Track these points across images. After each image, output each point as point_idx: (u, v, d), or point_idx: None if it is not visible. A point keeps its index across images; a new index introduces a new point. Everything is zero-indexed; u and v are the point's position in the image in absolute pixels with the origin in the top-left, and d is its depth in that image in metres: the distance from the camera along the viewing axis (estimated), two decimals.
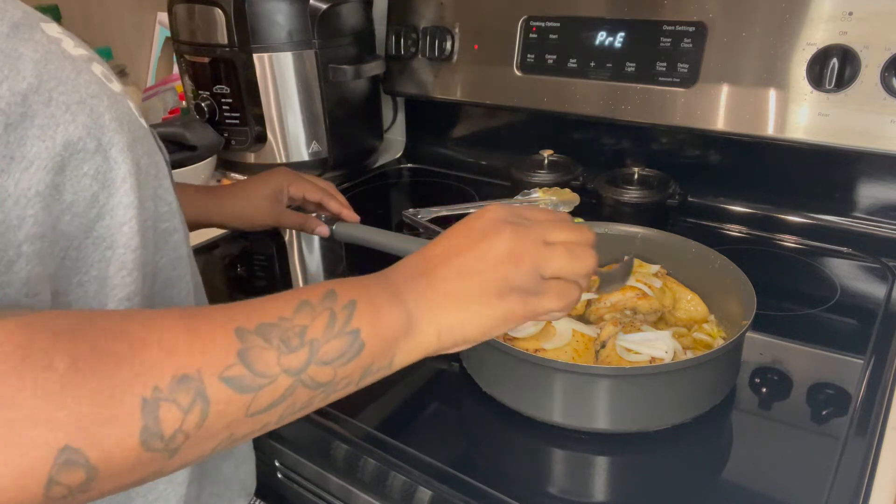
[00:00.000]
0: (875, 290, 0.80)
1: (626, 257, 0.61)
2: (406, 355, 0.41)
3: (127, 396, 0.30)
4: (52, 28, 0.40)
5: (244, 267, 0.96)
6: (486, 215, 0.45)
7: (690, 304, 0.70)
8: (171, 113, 1.36)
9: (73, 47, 0.41)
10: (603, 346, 0.63)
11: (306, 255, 0.98)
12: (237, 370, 0.33)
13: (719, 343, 0.66)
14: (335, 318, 0.37)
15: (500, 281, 0.42)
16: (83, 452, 0.29)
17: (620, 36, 0.96)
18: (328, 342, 0.36)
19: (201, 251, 0.94)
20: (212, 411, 0.32)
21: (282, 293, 0.37)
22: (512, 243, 0.43)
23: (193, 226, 0.81)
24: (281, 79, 1.06)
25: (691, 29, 0.90)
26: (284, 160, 1.11)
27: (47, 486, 0.28)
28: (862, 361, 0.66)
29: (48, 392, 0.28)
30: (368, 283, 0.40)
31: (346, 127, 1.14)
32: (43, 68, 0.37)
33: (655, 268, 0.74)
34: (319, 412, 0.62)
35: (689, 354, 0.62)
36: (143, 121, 0.46)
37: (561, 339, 0.63)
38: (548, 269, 0.44)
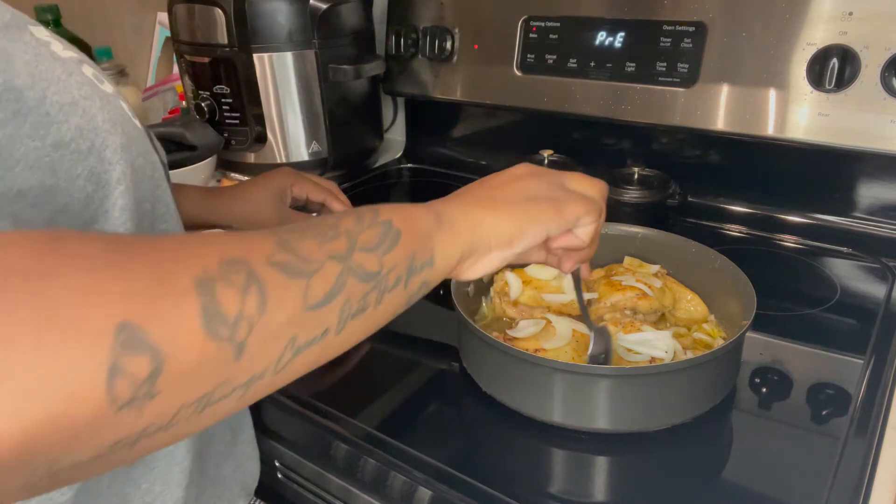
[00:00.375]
0: (875, 290, 0.80)
1: (601, 325, 0.63)
2: (445, 250, 0.40)
3: (179, 274, 0.27)
4: (41, 31, 0.40)
5: None
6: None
7: (690, 303, 0.70)
8: (171, 113, 1.36)
9: (62, 50, 0.40)
10: None
11: None
12: (283, 256, 0.31)
13: (719, 343, 0.66)
14: (362, 216, 0.37)
15: (525, 189, 0.45)
16: (144, 330, 0.25)
17: (620, 36, 0.96)
18: (363, 231, 0.36)
19: None
20: (269, 296, 0.30)
21: None
22: (532, 168, 0.48)
23: (196, 227, 0.81)
24: (281, 79, 1.06)
25: (691, 29, 0.90)
26: (284, 160, 1.11)
27: (110, 374, 0.24)
28: (862, 361, 0.66)
29: (93, 267, 0.25)
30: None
31: (346, 127, 1.14)
32: (34, 69, 0.37)
33: (655, 268, 0.75)
34: (319, 412, 0.62)
35: (689, 354, 0.62)
36: (137, 121, 0.46)
37: (561, 339, 0.63)
38: (568, 183, 0.48)
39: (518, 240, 0.43)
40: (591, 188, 0.49)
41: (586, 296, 0.70)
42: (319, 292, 0.32)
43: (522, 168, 0.48)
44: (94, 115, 0.39)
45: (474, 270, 0.43)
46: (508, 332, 0.66)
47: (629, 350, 0.62)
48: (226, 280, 0.28)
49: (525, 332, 0.64)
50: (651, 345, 0.61)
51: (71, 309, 0.24)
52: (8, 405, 0.22)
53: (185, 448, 0.50)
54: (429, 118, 1.27)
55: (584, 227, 0.48)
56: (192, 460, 0.51)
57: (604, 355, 0.60)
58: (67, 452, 0.25)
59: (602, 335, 0.61)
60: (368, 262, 0.35)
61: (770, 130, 0.86)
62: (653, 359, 0.61)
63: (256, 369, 0.30)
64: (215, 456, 0.57)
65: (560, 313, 0.68)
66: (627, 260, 0.76)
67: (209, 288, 0.28)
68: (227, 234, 0.32)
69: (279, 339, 0.31)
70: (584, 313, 0.61)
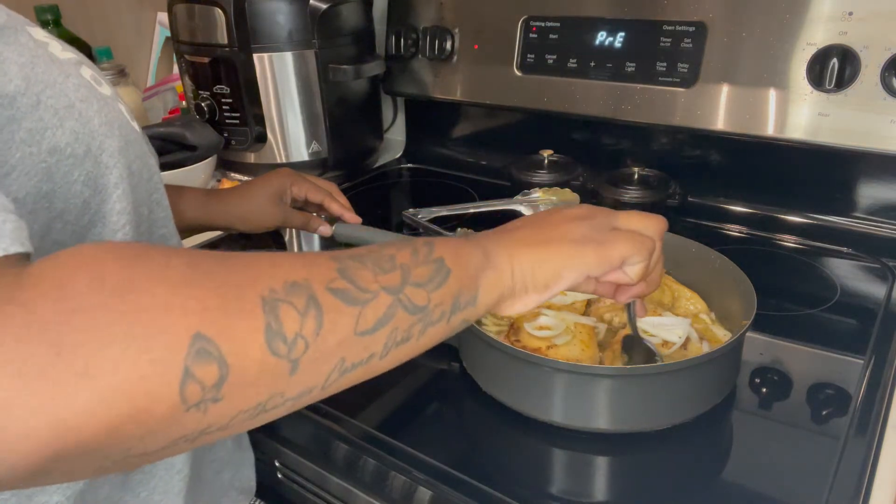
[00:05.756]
0: (875, 290, 0.80)
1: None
2: (488, 291, 0.42)
3: (248, 293, 0.30)
4: (38, 32, 0.40)
5: None
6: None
7: (689, 301, 0.70)
8: (171, 113, 1.36)
9: (60, 51, 0.40)
10: (623, 326, 0.64)
11: None
12: (341, 283, 0.34)
13: (720, 333, 0.66)
14: (418, 251, 0.39)
15: (572, 231, 0.46)
16: (215, 343, 0.28)
17: (620, 36, 0.96)
18: (417, 267, 0.38)
19: None
20: (325, 320, 0.32)
21: None
22: (586, 210, 0.48)
23: (197, 229, 0.81)
24: (281, 79, 1.06)
25: (691, 29, 0.90)
26: (284, 160, 1.11)
27: (184, 379, 0.27)
28: (862, 361, 0.66)
29: (174, 282, 0.29)
30: (442, 236, 0.42)
31: (346, 127, 1.14)
32: (30, 72, 0.36)
33: None
34: (319, 412, 0.62)
35: (706, 344, 0.62)
36: (135, 124, 0.45)
37: (567, 334, 0.63)
38: (619, 222, 0.48)
39: (555, 283, 0.44)
40: (645, 227, 0.49)
41: (587, 295, 0.70)
42: (370, 320, 0.35)
43: (577, 210, 0.48)
44: (90, 119, 0.39)
45: (512, 309, 0.44)
46: (526, 325, 0.66)
47: (645, 332, 0.62)
48: (289, 302, 0.31)
49: (542, 332, 0.64)
50: (668, 329, 0.62)
51: (154, 319, 0.27)
52: (100, 397, 0.26)
53: (185, 456, 0.50)
54: (429, 118, 1.27)
55: (633, 266, 0.47)
56: (191, 467, 0.51)
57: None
58: (140, 443, 0.28)
59: (642, 351, 0.60)
60: (418, 297, 0.37)
61: (770, 130, 0.86)
62: (665, 342, 0.61)
63: (307, 385, 0.33)
64: (215, 463, 0.57)
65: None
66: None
67: (273, 308, 0.31)
68: (293, 256, 0.35)
69: (330, 360, 0.33)
70: (632, 326, 0.60)
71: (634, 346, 0.60)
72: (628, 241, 0.47)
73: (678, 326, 0.62)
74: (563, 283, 0.45)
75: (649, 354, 0.59)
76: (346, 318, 0.33)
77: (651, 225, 0.49)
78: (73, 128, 0.38)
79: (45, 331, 0.26)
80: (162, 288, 0.28)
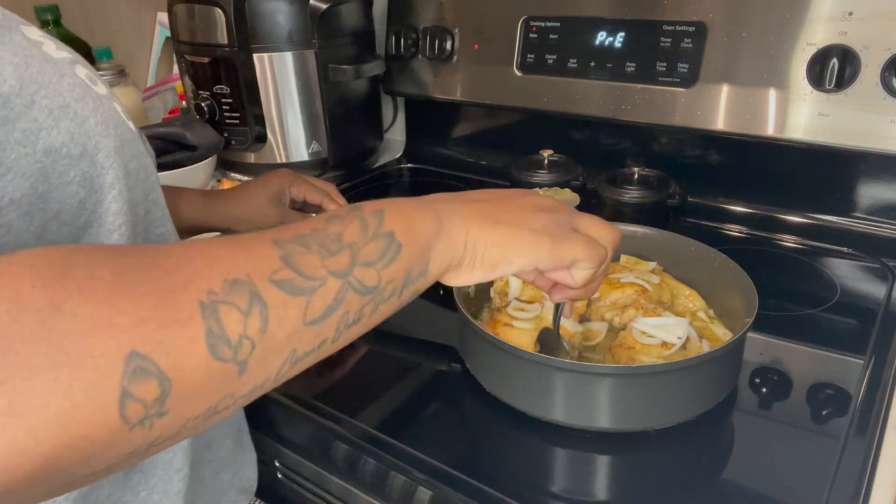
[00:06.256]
0: (875, 290, 0.80)
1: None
2: (438, 261, 0.41)
3: (183, 301, 0.29)
4: (33, 31, 0.39)
5: None
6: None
7: (688, 299, 0.70)
8: (171, 113, 1.36)
9: (54, 50, 0.40)
10: (623, 328, 0.64)
11: None
12: (285, 274, 0.32)
13: (719, 330, 0.66)
14: (366, 223, 0.37)
15: (533, 220, 0.45)
16: (152, 359, 0.27)
17: (620, 36, 0.96)
18: (366, 244, 0.36)
19: None
20: (271, 316, 0.31)
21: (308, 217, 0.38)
22: (551, 203, 0.47)
23: (195, 231, 0.81)
24: (281, 79, 1.06)
25: (691, 29, 0.90)
26: (284, 160, 1.11)
27: (122, 401, 0.26)
28: (862, 361, 0.66)
29: (99, 298, 0.27)
30: (395, 198, 0.41)
31: (346, 127, 1.14)
32: (24, 72, 0.36)
33: (652, 264, 0.75)
34: (319, 412, 0.62)
35: (706, 343, 0.62)
36: (131, 124, 0.45)
37: (531, 322, 0.64)
38: (580, 224, 0.48)
39: (503, 266, 0.44)
40: (602, 236, 0.48)
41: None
42: (319, 308, 0.33)
43: (542, 200, 0.48)
44: (86, 118, 0.38)
45: (455, 280, 0.44)
46: (515, 300, 0.67)
47: (644, 333, 0.62)
48: (229, 303, 0.30)
49: (517, 311, 0.65)
50: (667, 330, 0.62)
51: (82, 342, 0.26)
52: (30, 433, 0.24)
53: (184, 455, 0.50)
54: (429, 118, 1.27)
55: (580, 271, 0.47)
56: (190, 467, 0.51)
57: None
58: (85, 466, 0.27)
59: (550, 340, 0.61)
60: (368, 278, 0.36)
61: (770, 130, 0.86)
62: (664, 343, 0.61)
63: (258, 381, 0.32)
64: (215, 463, 0.57)
65: None
66: (624, 258, 0.76)
67: (213, 311, 0.29)
68: (231, 244, 0.32)
69: (280, 354, 0.32)
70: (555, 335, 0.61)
71: (550, 341, 0.61)
72: (584, 246, 0.46)
73: (678, 327, 0.62)
74: (512, 268, 0.44)
75: (562, 354, 0.60)
76: (293, 311, 0.32)
77: (607, 235, 0.49)
78: (69, 128, 0.37)
79: None
80: (86, 307, 0.26)
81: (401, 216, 0.39)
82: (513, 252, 0.44)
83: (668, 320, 0.63)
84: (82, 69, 0.41)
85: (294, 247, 0.34)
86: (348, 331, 0.36)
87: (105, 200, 0.40)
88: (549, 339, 0.61)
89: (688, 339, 0.61)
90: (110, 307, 0.27)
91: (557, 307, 0.59)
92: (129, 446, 0.28)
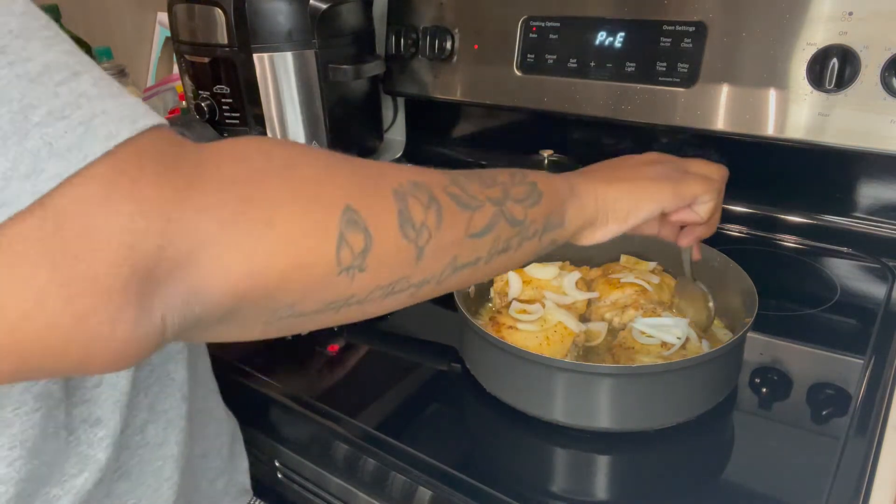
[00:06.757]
0: (875, 290, 0.80)
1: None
2: (574, 216, 0.46)
3: (381, 183, 0.35)
4: None
5: None
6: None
7: None
8: (171, 113, 1.36)
9: None
10: (623, 328, 0.65)
11: None
12: (454, 189, 0.38)
13: (722, 332, 0.66)
14: (514, 174, 0.44)
15: (647, 171, 0.51)
16: (361, 215, 0.33)
17: (620, 36, 0.96)
18: (515, 186, 0.42)
19: None
20: (445, 216, 0.37)
21: None
22: (659, 155, 0.53)
23: None
24: (281, 79, 1.06)
25: (691, 29, 0.90)
26: None
27: (339, 243, 0.32)
28: (862, 361, 0.66)
29: (324, 162, 0.34)
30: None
31: (346, 127, 1.14)
32: None
33: (652, 265, 0.75)
34: (319, 412, 0.62)
35: (705, 342, 0.62)
36: None
37: (537, 324, 0.63)
38: (690, 167, 0.53)
39: (634, 215, 0.49)
40: (712, 171, 0.54)
41: (587, 295, 0.70)
42: (479, 225, 0.39)
43: (650, 155, 0.54)
44: None
45: (592, 238, 0.49)
46: (515, 302, 0.67)
47: (643, 333, 0.62)
48: (414, 196, 0.36)
49: (520, 314, 0.65)
50: (666, 330, 0.62)
51: (314, 189, 0.32)
52: (278, 244, 0.30)
53: (174, 465, 0.50)
54: (429, 118, 1.27)
55: (703, 205, 0.52)
56: (180, 475, 0.51)
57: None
58: (300, 301, 0.32)
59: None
60: (517, 212, 0.42)
61: (770, 130, 0.86)
62: (664, 343, 0.61)
63: (427, 274, 0.37)
64: (210, 472, 0.57)
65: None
66: (624, 258, 0.77)
67: (403, 198, 0.35)
68: (409, 166, 0.39)
69: (446, 255, 0.38)
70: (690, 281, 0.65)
71: (687, 289, 0.66)
72: (701, 182, 0.51)
73: (677, 327, 0.62)
74: (642, 214, 0.49)
75: (703, 297, 0.64)
76: (459, 219, 0.38)
77: (716, 171, 0.54)
78: None
79: (236, 184, 0.30)
80: (314, 167, 0.33)
81: (540, 175, 0.45)
82: (640, 201, 0.49)
83: (668, 320, 0.63)
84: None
85: (459, 176, 0.40)
86: (498, 257, 0.41)
87: None
88: (685, 287, 0.66)
89: (687, 339, 0.61)
90: (329, 171, 0.34)
91: (685, 258, 0.63)
92: (334, 292, 0.33)
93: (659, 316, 0.64)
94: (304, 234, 0.31)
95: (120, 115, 0.28)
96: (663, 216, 0.53)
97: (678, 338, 0.61)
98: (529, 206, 0.43)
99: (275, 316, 0.32)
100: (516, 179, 0.43)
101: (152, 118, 0.29)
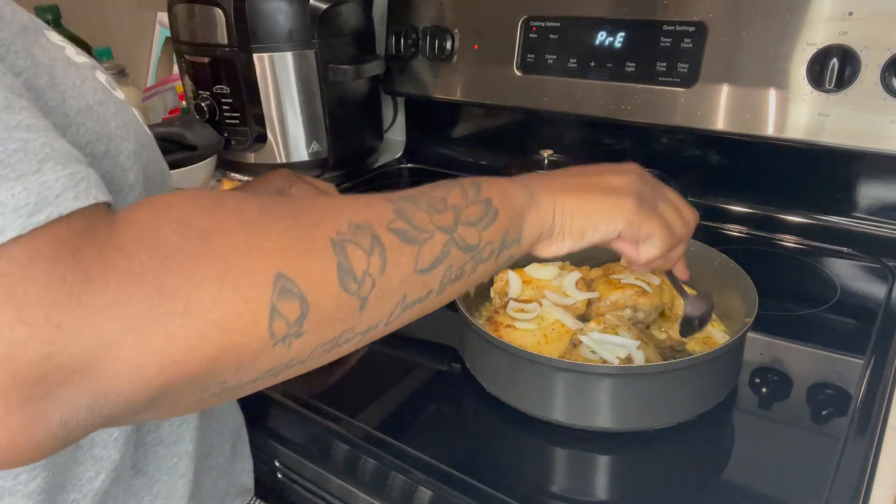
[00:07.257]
0: (875, 290, 0.80)
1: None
2: (531, 230, 0.44)
3: (317, 234, 0.33)
4: (54, 36, 0.40)
5: None
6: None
7: None
8: (171, 113, 1.36)
9: (75, 55, 0.40)
10: (581, 341, 0.63)
11: None
12: (400, 224, 0.36)
13: (720, 335, 0.66)
14: (466, 191, 0.41)
15: (615, 180, 0.48)
16: (295, 282, 0.31)
17: (620, 36, 0.96)
18: (467, 207, 0.40)
19: None
20: (389, 259, 0.35)
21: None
22: (639, 173, 0.50)
23: None
24: (281, 79, 1.06)
25: (691, 29, 0.90)
26: (284, 160, 1.11)
27: (271, 315, 0.30)
28: (862, 361, 0.66)
29: (250, 226, 0.31)
30: (488, 176, 0.44)
31: (346, 127, 1.14)
32: (52, 72, 0.37)
33: None
34: (319, 412, 0.62)
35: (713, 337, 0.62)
36: (147, 129, 0.46)
37: (535, 322, 0.63)
38: (660, 203, 0.50)
39: (590, 232, 0.47)
40: (680, 219, 0.51)
41: (587, 295, 0.70)
42: (428, 259, 0.37)
43: (630, 165, 0.51)
44: (108, 121, 0.39)
45: (548, 251, 0.47)
46: (513, 301, 0.67)
47: (588, 347, 0.60)
48: (355, 242, 0.34)
49: (518, 313, 0.65)
50: (608, 348, 0.60)
51: (240, 260, 0.30)
52: (200, 333, 0.28)
53: (189, 461, 0.50)
54: (429, 118, 1.27)
55: (650, 248, 0.49)
56: (194, 472, 0.51)
57: (696, 321, 0.62)
58: (234, 375, 0.31)
59: (699, 302, 0.63)
60: (469, 236, 0.40)
61: (770, 130, 0.86)
62: (603, 361, 0.59)
63: (374, 320, 0.35)
64: (214, 471, 0.57)
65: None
66: (624, 258, 0.76)
67: (342, 248, 0.33)
68: (349, 199, 0.37)
69: (394, 297, 0.36)
70: (675, 287, 0.63)
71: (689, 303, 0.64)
72: (662, 228, 0.48)
73: (621, 348, 0.59)
74: (597, 234, 0.47)
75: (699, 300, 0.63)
76: (406, 257, 0.36)
77: (688, 218, 0.52)
78: (94, 128, 0.38)
79: (145, 275, 0.27)
80: (242, 231, 0.30)
81: (496, 187, 0.43)
82: (597, 220, 0.46)
83: (616, 339, 0.60)
84: (101, 74, 0.42)
85: (405, 203, 0.37)
86: (451, 286, 0.39)
87: (126, 201, 0.41)
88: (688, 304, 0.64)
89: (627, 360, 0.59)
90: (260, 233, 0.31)
91: (670, 274, 0.61)
92: (270, 362, 0.31)
93: (615, 333, 0.62)
94: (230, 317, 0.29)
95: (15, 205, 0.25)
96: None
97: (617, 358, 0.59)
98: (484, 228, 0.40)
99: (206, 393, 0.31)
100: (469, 198, 0.41)
101: (64, 201, 0.27)
